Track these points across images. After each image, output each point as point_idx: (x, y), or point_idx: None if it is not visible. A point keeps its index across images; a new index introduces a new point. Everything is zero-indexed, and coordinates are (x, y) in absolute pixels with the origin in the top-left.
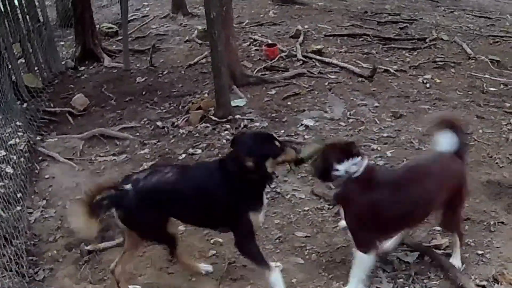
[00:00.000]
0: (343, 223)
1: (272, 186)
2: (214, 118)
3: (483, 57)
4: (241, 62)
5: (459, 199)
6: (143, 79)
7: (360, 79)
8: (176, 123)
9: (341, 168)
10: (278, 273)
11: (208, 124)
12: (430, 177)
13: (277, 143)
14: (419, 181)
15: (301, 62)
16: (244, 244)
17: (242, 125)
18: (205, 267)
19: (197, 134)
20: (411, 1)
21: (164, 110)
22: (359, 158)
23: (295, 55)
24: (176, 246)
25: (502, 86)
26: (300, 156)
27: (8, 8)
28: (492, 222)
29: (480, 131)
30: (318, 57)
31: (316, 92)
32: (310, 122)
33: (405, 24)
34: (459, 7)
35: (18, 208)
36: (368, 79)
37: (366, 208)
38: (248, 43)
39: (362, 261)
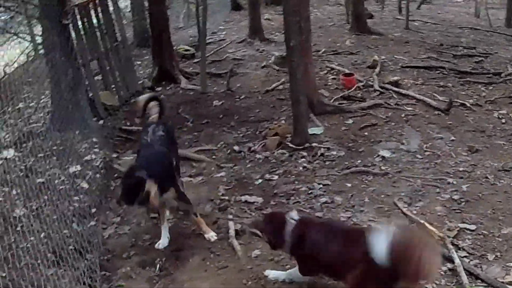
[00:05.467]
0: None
1: None
2: (291, 145)
3: None
4: (318, 90)
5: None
6: (220, 103)
7: (436, 112)
8: (252, 148)
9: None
10: None
11: (285, 151)
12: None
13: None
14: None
15: (378, 92)
16: None
17: (319, 153)
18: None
19: (273, 160)
20: (486, 35)
21: (241, 135)
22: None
23: (372, 86)
24: None
25: None
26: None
27: (87, 26)
28: None
29: None
30: (395, 88)
31: (393, 124)
32: (386, 153)
33: (480, 58)
34: None
35: (92, 223)
36: (445, 113)
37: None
38: (325, 72)
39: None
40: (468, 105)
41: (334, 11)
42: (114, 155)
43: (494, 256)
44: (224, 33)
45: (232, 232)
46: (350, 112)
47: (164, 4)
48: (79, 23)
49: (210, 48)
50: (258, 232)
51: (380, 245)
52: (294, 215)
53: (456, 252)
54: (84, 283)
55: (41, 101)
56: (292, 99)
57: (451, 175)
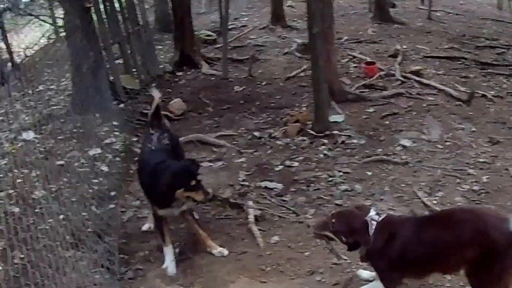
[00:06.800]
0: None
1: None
2: (311, 132)
3: None
4: (339, 78)
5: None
6: (241, 89)
7: (457, 102)
8: (273, 134)
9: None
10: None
11: (305, 138)
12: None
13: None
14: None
15: (400, 82)
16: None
17: (339, 141)
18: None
19: (294, 147)
20: (508, 27)
21: (261, 121)
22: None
23: (394, 75)
24: None
25: None
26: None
27: (109, 9)
28: None
29: None
30: (416, 78)
31: (414, 113)
32: (407, 143)
33: (502, 50)
34: None
35: (112, 206)
36: (466, 103)
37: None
38: (347, 60)
39: None
40: (490, 96)
41: None
42: (134, 139)
43: None
44: (246, 19)
45: (251, 218)
46: (371, 100)
47: None
48: (101, 6)
49: (231, 34)
50: (330, 234)
51: None
52: (374, 214)
53: None
54: (102, 266)
55: (62, 83)
56: (314, 86)
57: (471, 166)
